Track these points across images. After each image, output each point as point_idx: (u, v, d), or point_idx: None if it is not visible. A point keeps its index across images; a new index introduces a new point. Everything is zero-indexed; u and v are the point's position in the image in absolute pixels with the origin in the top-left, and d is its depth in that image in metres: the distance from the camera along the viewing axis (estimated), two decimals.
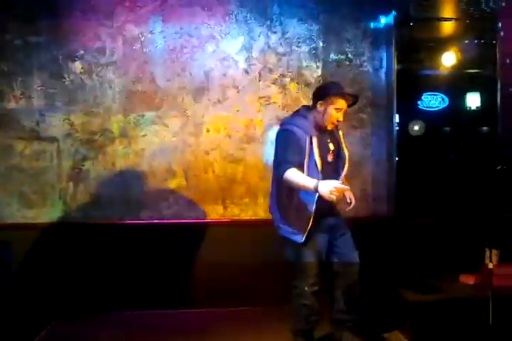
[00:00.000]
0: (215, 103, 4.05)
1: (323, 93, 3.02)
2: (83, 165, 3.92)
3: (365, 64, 4.18)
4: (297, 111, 3.13)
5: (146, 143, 3.97)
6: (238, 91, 4.07)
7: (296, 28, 4.11)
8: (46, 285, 3.83)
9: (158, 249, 3.90)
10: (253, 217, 4.03)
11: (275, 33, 4.09)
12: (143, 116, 3.96)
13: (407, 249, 3.92)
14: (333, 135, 3.13)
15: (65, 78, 3.92)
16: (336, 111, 2.98)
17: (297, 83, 4.11)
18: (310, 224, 2.94)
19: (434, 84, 4.18)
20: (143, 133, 3.97)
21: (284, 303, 3.68)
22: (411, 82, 4.13)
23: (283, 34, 4.10)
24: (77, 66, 3.93)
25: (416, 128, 4.14)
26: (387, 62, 4.18)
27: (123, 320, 3.74)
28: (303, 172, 2.87)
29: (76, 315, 3.78)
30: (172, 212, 3.96)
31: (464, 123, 4.18)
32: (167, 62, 4.00)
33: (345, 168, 3.14)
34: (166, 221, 3.93)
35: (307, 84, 4.11)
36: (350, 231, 3.23)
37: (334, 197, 2.66)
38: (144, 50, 3.98)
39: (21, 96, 3.89)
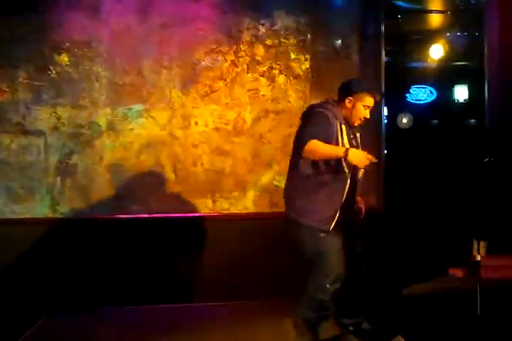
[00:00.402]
0: (203, 96, 4.02)
1: (352, 89, 2.96)
2: (70, 159, 3.88)
3: (353, 56, 4.17)
4: (326, 100, 3.04)
5: (133, 136, 3.93)
6: (226, 84, 4.04)
7: (284, 20, 4.09)
8: (35, 282, 3.79)
9: (147, 243, 3.87)
10: (243, 211, 4.02)
11: (263, 24, 4.07)
12: (130, 109, 3.93)
13: (396, 242, 3.95)
14: (355, 133, 3.07)
15: (51, 71, 3.87)
16: (364, 108, 2.94)
17: (285, 75, 4.09)
18: (339, 211, 2.87)
19: (422, 77, 4.21)
20: (130, 127, 3.93)
21: (275, 296, 3.74)
22: (399, 74, 4.15)
23: (271, 26, 4.08)
24: (64, 58, 3.88)
25: (404, 120, 4.17)
26: (375, 55, 4.18)
27: (113, 316, 3.70)
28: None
29: (65, 312, 3.73)
30: (161, 206, 3.92)
31: (451, 116, 4.22)
32: (154, 54, 3.96)
33: (361, 172, 3.04)
34: (154, 215, 3.90)
35: (295, 77, 4.10)
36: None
37: (364, 164, 2.66)
38: (131, 42, 3.93)
39: (7, 90, 3.83)
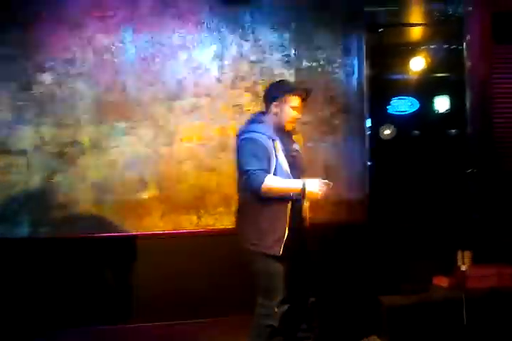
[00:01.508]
0: (188, 112, 4.03)
1: (275, 93, 2.89)
2: (53, 178, 3.86)
3: (337, 70, 4.22)
4: (251, 118, 2.97)
5: (118, 154, 3.93)
6: (211, 100, 4.06)
7: (268, 36, 4.13)
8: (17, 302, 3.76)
9: (133, 261, 3.84)
10: (228, 227, 4.01)
11: (247, 40, 4.11)
12: (114, 126, 3.93)
13: (381, 254, 3.98)
14: (290, 136, 3.01)
15: (34, 90, 3.86)
16: (292, 108, 2.87)
17: None
18: (286, 233, 2.79)
19: (403, 89, 4.25)
20: (115, 144, 3.93)
21: None
22: (381, 86, 4.19)
23: (255, 42, 4.12)
24: (47, 77, 3.88)
25: (387, 132, 4.19)
26: (358, 68, 4.22)
27: (92, 336, 3.68)
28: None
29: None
30: (145, 223, 3.91)
31: (433, 127, 4.26)
32: (138, 71, 3.98)
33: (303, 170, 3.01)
34: (139, 233, 3.89)
35: None
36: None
37: (321, 193, 2.64)
38: (115, 60, 3.95)
39: None
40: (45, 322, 3.71)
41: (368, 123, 4.15)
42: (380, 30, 4.23)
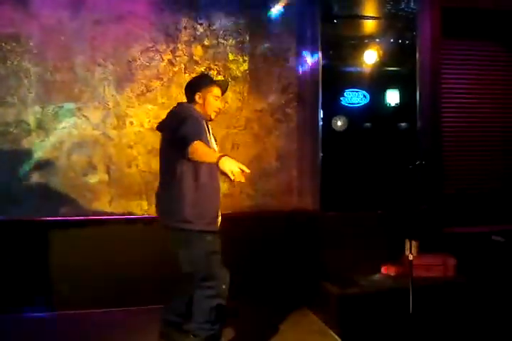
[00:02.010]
0: (139, 95, 3.93)
1: (198, 84, 2.98)
2: None
3: (291, 59, 4.21)
4: (182, 103, 3.02)
5: (65, 135, 3.79)
6: (163, 83, 3.98)
7: (223, 21, 4.08)
8: None
9: (78, 246, 3.72)
10: None
11: (201, 24, 4.04)
12: (61, 107, 3.78)
13: (331, 242, 4.01)
14: (209, 128, 3.01)
15: None
16: (214, 98, 2.96)
17: (224, 76, 4.07)
18: (219, 212, 2.89)
19: (356, 81, 4.28)
20: (62, 126, 3.78)
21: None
22: (334, 78, 4.20)
23: (209, 26, 4.05)
24: None
25: (339, 123, 4.22)
26: (312, 58, 4.23)
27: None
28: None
29: None
30: (93, 208, 3.81)
31: (384, 119, 4.31)
32: (87, 51, 3.84)
33: None
34: (86, 217, 3.77)
35: (234, 78, 4.09)
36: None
37: (234, 172, 2.49)
38: (63, 37, 3.79)
39: None
40: None
41: (321, 113, 4.17)
42: (335, 21, 4.24)
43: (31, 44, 3.74)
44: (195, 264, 2.82)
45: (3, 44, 3.70)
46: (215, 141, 3.02)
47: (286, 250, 4.02)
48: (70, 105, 3.79)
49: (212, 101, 2.95)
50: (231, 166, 2.49)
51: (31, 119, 3.74)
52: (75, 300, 3.68)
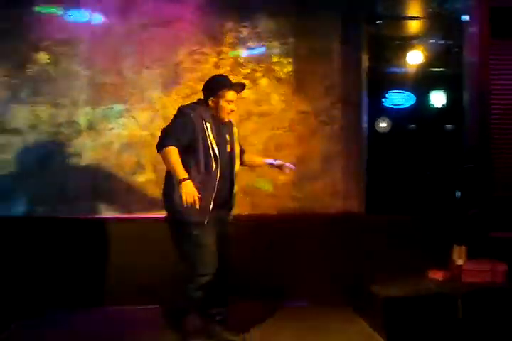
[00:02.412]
0: (184, 97, 3.99)
1: (211, 88, 3.05)
2: (49, 158, 3.81)
3: (334, 60, 4.20)
4: (197, 101, 3.13)
5: (114, 136, 3.88)
6: None
7: (268, 23, 4.10)
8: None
9: (126, 244, 3.77)
10: None
11: (246, 27, 4.07)
12: (111, 108, 3.88)
13: (376, 245, 3.97)
14: (229, 129, 3.14)
15: (29, 69, 3.80)
16: (227, 103, 3.02)
17: (268, 78, 4.09)
18: (212, 203, 2.92)
19: (400, 82, 4.25)
20: (111, 126, 3.88)
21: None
22: (379, 79, 4.19)
23: (254, 28, 4.08)
24: (43, 56, 3.81)
25: (382, 125, 4.20)
26: (356, 59, 4.21)
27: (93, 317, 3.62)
28: (193, 154, 2.89)
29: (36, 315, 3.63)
30: (140, 206, 3.86)
31: (429, 121, 4.27)
32: (135, 54, 3.93)
33: (237, 165, 3.13)
34: (133, 216, 3.85)
35: (278, 80, 4.11)
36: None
37: (187, 200, 2.71)
38: (112, 41, 3.89)
39: None
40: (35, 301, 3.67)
41: (365, 115, 4.15)
42: (378, 21, 4.23)
43: (82, 48, 3.86)
44: (183, 252, 3.00)
45: (55, 48, 3.83)
46: (227, 138, 3.06)
47: (330, 252, 4.00)
48: (119, 106, 3.87)
49: (225, 105, 3.01)
50: (187, 192, 2.70)
51: (82, 120, 3.86)
52: (126, 296, 3.74)
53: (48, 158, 3.82)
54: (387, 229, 4.00)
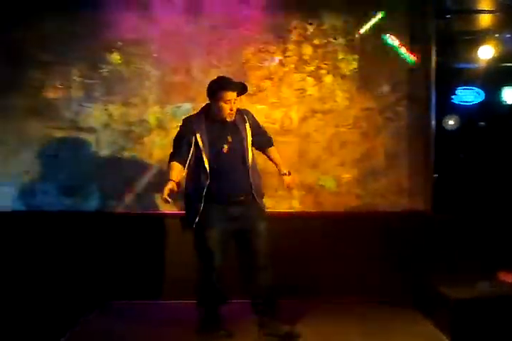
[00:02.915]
0: (251, 95, 4.03)
1: (210, 91, 3.14)
2: (120, 156, 3.96)
3: (402, 57, 4.13)
4: (202, 108, 3.28)
5: None
6: (273, 84, 4.06)
7: (332, 20, 4.08)
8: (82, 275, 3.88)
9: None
10: (287, 210, 4.03)
11: (311, 24, 4.07)
12: (179, 107, 3.98)
13: (443, 245, 3.90)
14: (233, 128, 3.18)
15: (103, 69, 3.96)
16: (225, 102, 3.07)
17: (333, 75, 4.08)
18: (202, 206, 3.07)
19: (469, 78, 4.13)
20: (179, 124, 3.97)
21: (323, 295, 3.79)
22: (447, 75, 4.09)
23: (319, 26, 4.08)
24: (115, 57, 3.97)
25: (450, 122, 4.11)
26: (424, 55, 4.13)
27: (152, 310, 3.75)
28: (189, 162, 3.11)
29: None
30: None
31: (500, 118, 4.14)
32: (203, 53, 4.01)
33: (249, 159, 3.21)
34: None
35: (343, 77, 4.09)
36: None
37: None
38: (180, 41, 3.98)
39: (60, 87, 3.95)
40: (105, 293, 3.85)
41: (433, 112, 4.07)
42: (447, 16, 4.12)
43: (152, 48, 3.98)
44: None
45: (127, 48, 3.97)
46: (229, 140, 3.13)
47: (395, 251, 3.96)
48: (187, 105, 3.95)
49: (223, 105, 3.08)
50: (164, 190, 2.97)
51: (152, 119, 3.98)
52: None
53: (119, 155, 3.97)
54: (455, 229, 3.92)
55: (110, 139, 3.95)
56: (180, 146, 3.12)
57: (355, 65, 4.10)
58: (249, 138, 3.21)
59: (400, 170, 4.09)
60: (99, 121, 3.96)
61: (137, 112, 3.95)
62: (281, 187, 3.97)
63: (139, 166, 3.94)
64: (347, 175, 4.06)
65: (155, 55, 3.98)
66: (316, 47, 4.08)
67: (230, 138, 3.14)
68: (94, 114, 3.96)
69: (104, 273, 3.88)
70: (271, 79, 4.05)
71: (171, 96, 3.98)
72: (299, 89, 4.07)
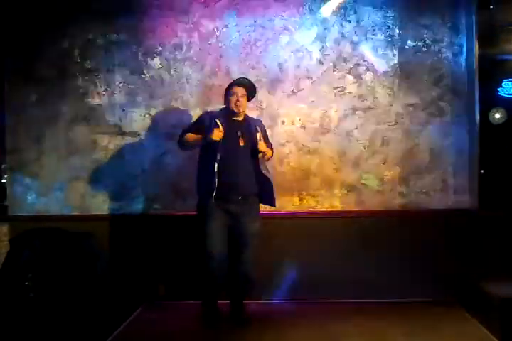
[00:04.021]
0: (290, 94, 4.05)
1: (225, 90, 3.54)
2: (164, 159, 4.04)
3: (443, 50, 4.03)
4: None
5: None
6: (312, 82, 4.05)
7: (371, 16, 4.03)
8: (129, 274, 4.01)
9: None
10: (329, 209, 4.01)
11: (349, 21, 4.04)
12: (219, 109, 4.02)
13: (491, 243, 3.81)
14: (243, 126, 3.48)
15: (144, 74, 4.05)
16: (231, 94, 3.45)
17: (373, 72, 4.04)
18: (214, 192, 3.30)
19: None
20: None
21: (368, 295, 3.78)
22: (492, 67, 3.96)
23: (357, 22, 4.04)
24: (156, 62, 4.05)
25: (497, 116, 3.98)
26: (467, 48, 4.02)
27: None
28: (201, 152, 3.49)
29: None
30: None
31: None
32: (241, 55, 4.04)
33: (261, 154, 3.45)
34: None
35: (383, 73, 4.03)
36: None
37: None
38: (219, 44, 4.04)
39: (104, 93, 4.07)
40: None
41: (478, 106, 3.95)
42: (491, 7, 3.98)
43: (191, 52, 4.04)
44: None
45: (167, 53, 4.05)
46: (239, 134, 3.39)
47: (440, 250, 3.89)
48: None
49: (230, 98, 3.45)
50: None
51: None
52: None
53: (162, 158, 4.05)
54: (503, 227, 3.81)
55: (153, 143, 4.04)
56: (190, 129, 3.50)
57: (395, 60, 4.04)
58: (259, 139, 3.43)
59: (444, 167, 4.01)
60: (142, 125, 4.05)
61: (178, 115, 4.02)
62: (323, 186, 4.03)
63: (182, 168, 4.00)
64: (390, 173, 4.01)
65: (195, 58, 4.04)
66: (354, 44, 4.04)
67: (240, 133, 3.41)
68: (137, 118, 4.06)
69: (149, 273, 4.00)
70: (309, 78, 4.04)
71: (210, 98, 4.02)
72: (338, 87, 4.05)
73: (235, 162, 3.36)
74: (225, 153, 3.32)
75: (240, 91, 3.45)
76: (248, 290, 3.55)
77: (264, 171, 3.45)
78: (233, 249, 3.42)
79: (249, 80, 3.54)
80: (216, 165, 3.29)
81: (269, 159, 3.60)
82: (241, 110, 3.46)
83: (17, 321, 3.35)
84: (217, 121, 3.32)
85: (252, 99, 3.61)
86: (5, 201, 4.12)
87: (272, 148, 3.63)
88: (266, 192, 3.48)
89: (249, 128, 3.48)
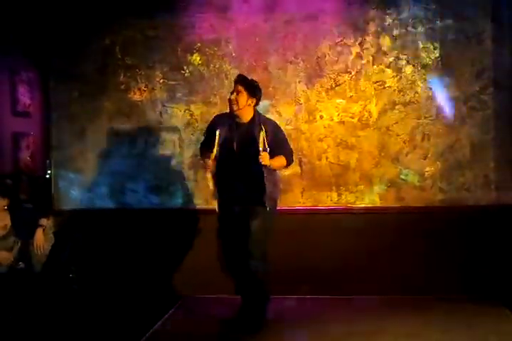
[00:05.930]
0: (328, 89, 4.03)
1: None
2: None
3: (486, 43, 3.95)
4: None
5: None
6: (351, 77, 4.02)
7: (411, 9, 3.97)
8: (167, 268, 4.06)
9: (286, 235, 3.81)
10: (369, 205, 3.99)
11: (390, 14, 3.99)
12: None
13: None
14: (246, 129, 3.29)
15: (184, 70, 4.09)
16: (232, 93, 3.29)
17: (413, 65, 3.98)
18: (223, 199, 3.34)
19: None
20: None
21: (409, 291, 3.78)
22: None
23: (398, 15, 3.98)
24: (195, 58, 4.09)
25: None
26: (509, 40, 3.93)
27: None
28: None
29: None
30: (287, 199, 3.94)
31: None
32: (279, 50, 4.04)
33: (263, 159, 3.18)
34: (281, 208, 3.94)
35: (424, 66, 3.98)
36: None
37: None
38: (257, 39, 4.04)
39: (145, 89, 4.13)
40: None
41: None
42: None
43: (230, 47, 4.06)
44: None
45: (206, 49, 4.08)
46: (243, 137, 3.25)
47: (481, 246, 3.84)
48: (266, 102, 3.95)
49: (230, 98, 3.31)
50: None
51: None
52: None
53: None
54: None
55: (193, 138, 4.08)
56: (205, 143, 3.46)
57: (436, 53, 3.97)
58: (262, 145, 3.20)
59: (486, 162, 3.94)
60: (182, 121, 4.10)
61: (217, 111, 4.02)
62: (362, 181, 4.00)
63: None
64: (430, 169, 3.96)
65: (233, 54, 4.06)
66: (394, 37, 3.99)
67: (238, 141, 3.26)
68: (177, 114, 4.11)
69: (187, 268, 4.03)
70: (348, 72, 4.02)
71: None
72: (377, 82, 4.01)
73: (233, 174, 3.26)
74: (222, 164, 3.25)
75: (237, 88, 3.27)
76: (258, 288, 3.30)
77: (266, 176, 3.24)
78: (243, 248, 3.31)
79: (246, 77, 3.35)
80: (215, 179, 3.31)
81: (285, 166, 3.46)
82: (235, 109, 3.26)
83: (62, 312, 3.45)
84: (217, 133, 3.25)
85: (255, 97, 3.33)
86: (50, 195, 4.24)
87: (288, 154, 3.40)
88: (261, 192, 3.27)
89: (252, 132, 3.27)
